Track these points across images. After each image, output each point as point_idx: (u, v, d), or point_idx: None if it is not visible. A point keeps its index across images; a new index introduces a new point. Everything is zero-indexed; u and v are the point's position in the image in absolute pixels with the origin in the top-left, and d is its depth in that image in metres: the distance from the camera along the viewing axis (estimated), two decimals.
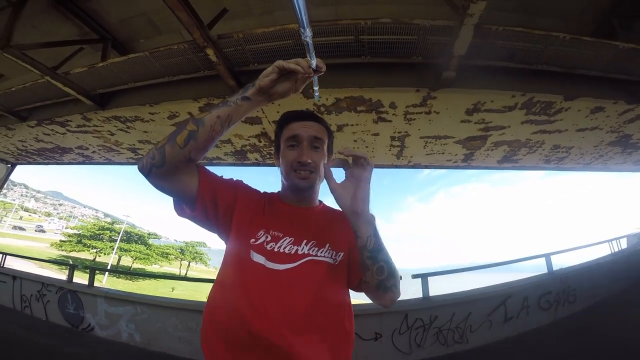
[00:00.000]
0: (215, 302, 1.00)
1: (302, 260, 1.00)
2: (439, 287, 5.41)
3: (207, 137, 0.90)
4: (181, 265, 50.11)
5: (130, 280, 35.95)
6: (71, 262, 7.07)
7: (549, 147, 6.15)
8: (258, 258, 0.98)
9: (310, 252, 1.03)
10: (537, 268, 6.03)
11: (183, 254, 48.30)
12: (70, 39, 5.03)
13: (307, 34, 0.82)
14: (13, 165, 10.74)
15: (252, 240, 1.01)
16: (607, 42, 3.71)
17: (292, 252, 1.01)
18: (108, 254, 39.12)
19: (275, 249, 1.00)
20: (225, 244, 1.06)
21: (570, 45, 3.71)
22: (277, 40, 3.76)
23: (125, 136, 6.21)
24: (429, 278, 4.90)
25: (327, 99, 4.36)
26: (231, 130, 3.89)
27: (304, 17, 0.75)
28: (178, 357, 4.40)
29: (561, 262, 6.35)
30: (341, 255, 1.07)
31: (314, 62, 0.89)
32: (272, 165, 6.51)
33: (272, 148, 5.80)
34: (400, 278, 1.03)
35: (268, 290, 0.93)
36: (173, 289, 34.23)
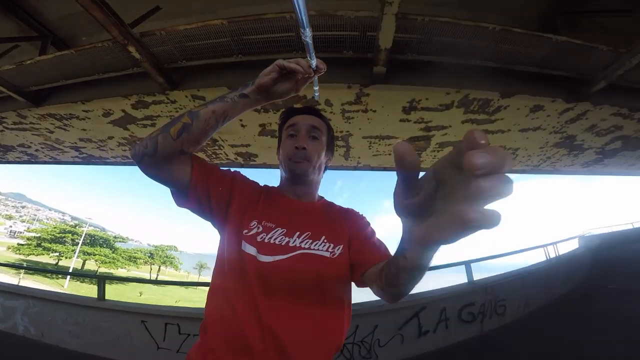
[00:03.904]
0: (212, 298, 0.98)
1: (293, 253, 0.96)
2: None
3: (200, 131, 0.89)
4: (151, 269, 48.98)
5: (94, 284, 34.61)
6: None
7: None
8: (250, 249, 0.95)
9: (303, 245, 0.98)
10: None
11: (152, 258, 47.22)
12: (8, 36, 4.98)
13: (307, 34, 0.81)
14: None
15: (245, 231, 0.98)
16: (540, 34, 3.67)
17: (283, 243, 0.97)
18: (70, 258, 37.63)
19: (266, 240, 0.96)
20: (220, 235, 1.04)
21: (502, 39, 3.65)
22: (210, 39, 3.69)
23: (65, 134, 6.05)
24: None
25: None
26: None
27: (303, 17, 0.75)
28: (69, 350, 4.44)
29: (499, 269, 6.16)
30: (340, 248, 1.01)
31: (313, 62, 0.89)
32: (222, 165, 6.39)
33: (216, 147, 5.80)
34: None
35: (256, 285, 0.90)
36: (141, 293, 33.24)
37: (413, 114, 4.43)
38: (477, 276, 5.43)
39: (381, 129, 4.88)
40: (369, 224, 1.13)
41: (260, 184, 1.18)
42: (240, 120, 4.76)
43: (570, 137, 6.10)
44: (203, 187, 0.97)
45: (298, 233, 0.99)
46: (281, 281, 0.91)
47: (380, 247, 1.03)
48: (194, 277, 68.67)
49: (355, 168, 6.46)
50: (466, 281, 5.29)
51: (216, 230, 1.08)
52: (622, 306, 5.65)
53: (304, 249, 0.97)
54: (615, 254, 12.66)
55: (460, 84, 4.02)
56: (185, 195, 0.96)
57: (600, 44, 3.85)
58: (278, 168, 4.67)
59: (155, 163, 0.87)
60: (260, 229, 0.99)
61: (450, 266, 5.30)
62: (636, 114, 5.43)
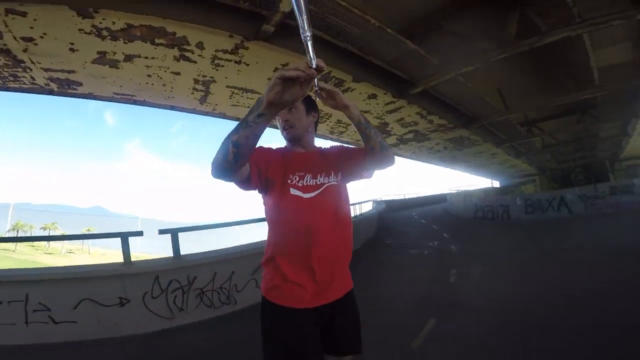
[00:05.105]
0: (277, 231, 1.40)
1: (323, 187, 1.40)
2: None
3: (247, 153, 1.10)
4: None
5: None
6: None
7: (334, 121, 7.30)
8: (296, 192, 1.36)
9: (325, 181, 1.41)
10: None
11: None
12: None
13: (307, 34, 0.81)
14: None
15: (289, 181, 1.36)
16: (402, 39, 4.43)
17: (314, 183, 1.39)
18: None
19: (304, 184, 1.37)
20: (264, 194, 1.42)
21: (375, 34, 4.25)
22: None
23: None
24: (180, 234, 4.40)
25: (114, 22, 3.47)
26: None
27: (304, 18, 0.75)
28: None
29: None
30: (340, 175, 1.49)
31: (313, 62, 0.89)
32: (21, 90, 5.06)
33: (19, 69, 4.66)
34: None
35: (309, 212, 1.33)
36: None
37: None
38: None
39: (248, 82, 4.96)
40: (349, 147, 1.63)
41: (274, 148, 1.51)
42: (72, 43, 3.81)
43: (385, 124, 7.77)
44: (258, 173, 1.32)
45: (319, 174, 1.42)
46: (322, 207, 1.37)
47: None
48: None
49: (207, 113, 6.22)
50: None
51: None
52: (396, 256, 7.84)
53: (327, 183, 1.42)
54: (392, 216, 16.86)
55: (328, 62, 4.45)
56: (249, 184, 1.32)
57: (434, 58, 5.00)
58: (105, 100, 5.23)
59: (230, 176, 1.19)
60: (297, 178, 1.39)
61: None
62: (429, 116, 7.41)
